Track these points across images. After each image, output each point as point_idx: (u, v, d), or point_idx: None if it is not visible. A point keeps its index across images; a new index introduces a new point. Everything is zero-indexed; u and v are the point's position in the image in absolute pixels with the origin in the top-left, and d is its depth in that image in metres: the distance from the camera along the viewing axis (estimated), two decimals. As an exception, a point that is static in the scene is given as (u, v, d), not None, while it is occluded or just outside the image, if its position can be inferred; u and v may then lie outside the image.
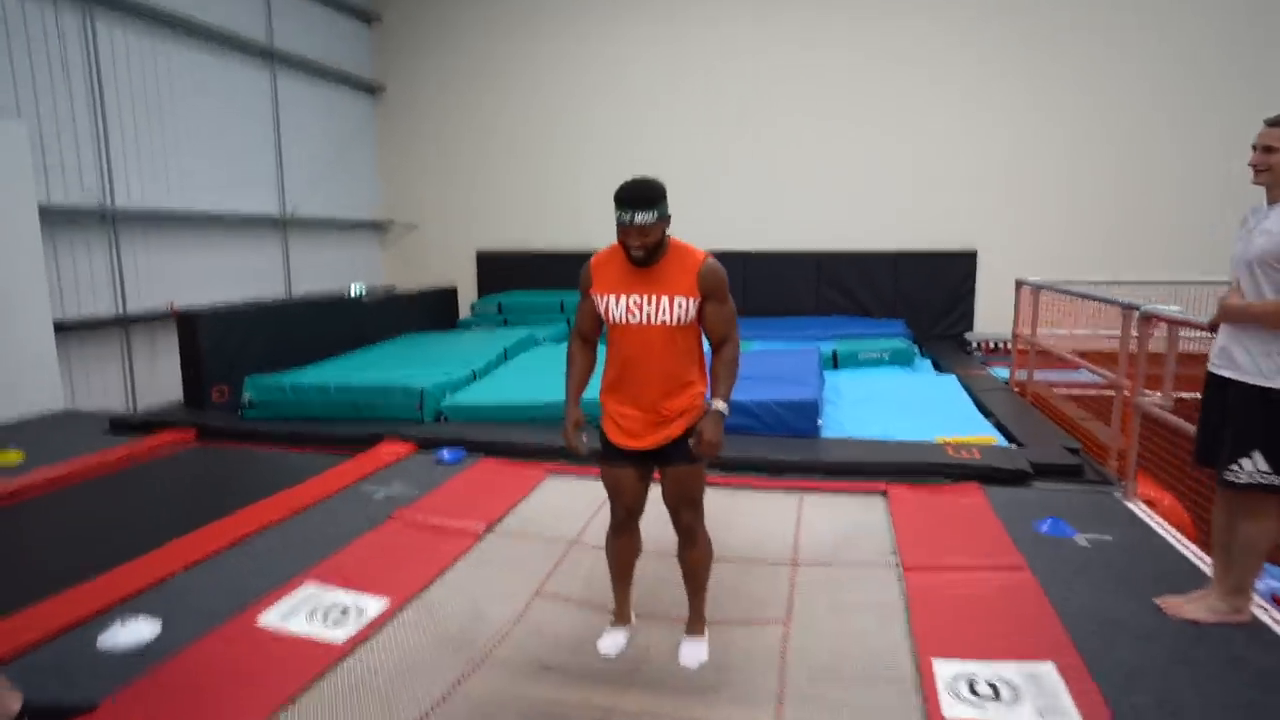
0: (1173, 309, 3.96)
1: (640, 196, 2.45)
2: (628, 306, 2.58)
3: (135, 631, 2.88)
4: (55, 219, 7.27)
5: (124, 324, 8.04)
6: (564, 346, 8.40)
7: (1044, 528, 3.85)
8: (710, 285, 2.57)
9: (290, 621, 3.05)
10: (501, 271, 11.98)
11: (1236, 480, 2.72)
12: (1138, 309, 4.31)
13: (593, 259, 2.69)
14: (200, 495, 4.88)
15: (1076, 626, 2.90)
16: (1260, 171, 2.70)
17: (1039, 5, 9.94)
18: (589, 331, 2.77)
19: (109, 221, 7.88)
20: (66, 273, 7.47)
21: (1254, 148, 2.71)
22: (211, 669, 2.70)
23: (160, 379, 8.34)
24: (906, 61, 10.35)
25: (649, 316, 2.57)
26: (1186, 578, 3.28)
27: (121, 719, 2.40)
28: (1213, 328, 2.93)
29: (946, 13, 10.17)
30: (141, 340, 8.28)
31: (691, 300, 2.56)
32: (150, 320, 8.28)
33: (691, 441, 2.57)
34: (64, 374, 7.18)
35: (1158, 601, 3.07)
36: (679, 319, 2.57)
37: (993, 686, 2.57)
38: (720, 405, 2.58)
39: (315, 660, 2.79)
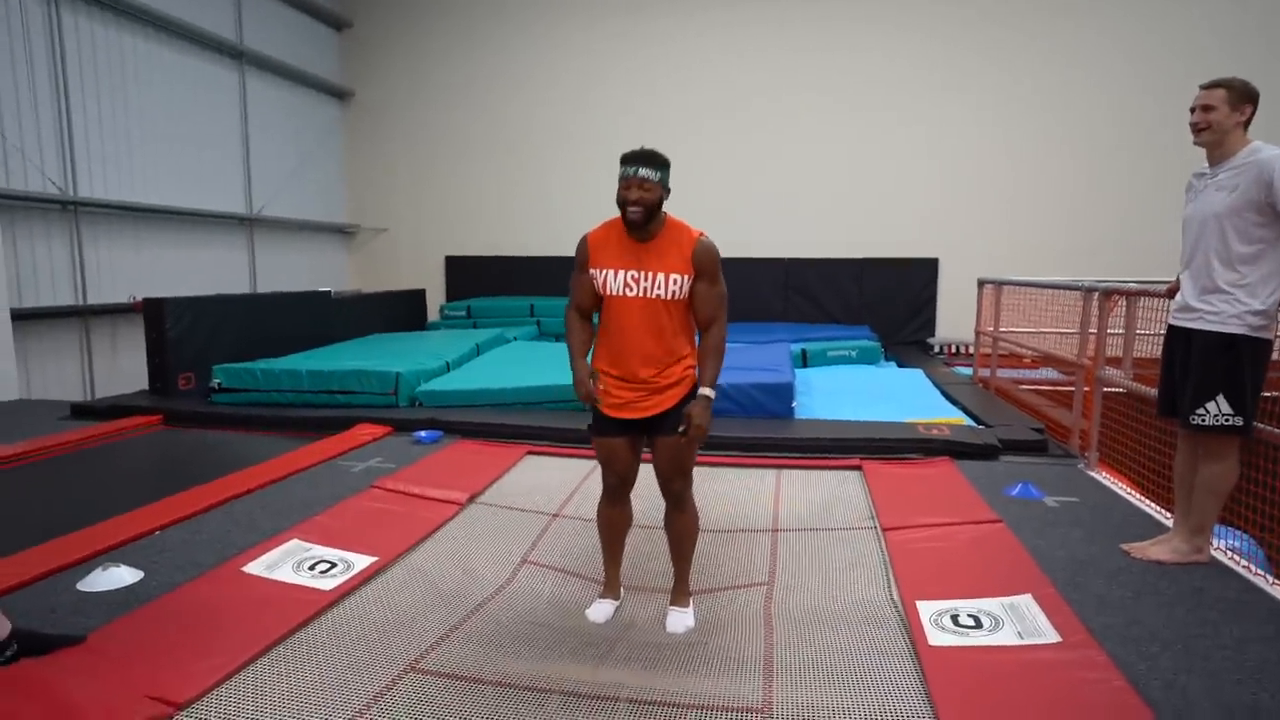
0: (1131, 284, 4.16)
1: (646, 155, 2.57)
2: (625, 281, 2.63)
3: (117, 577, 2.83)
4: (14, 206, 7.10)
5: (84, 315, 7.84)
6: (534, 345, 8.48)
7: (1014, 491, 3.99)
8: (703, 262, 2.63)
9: (276, 571, 3.02)
10: (471, 276, 11.98)
11: (1202, 423, 2.88)
12: (1098, 290, 4.51)
13: (589, 235, 2.74)
14: (170, 471, 4.78)
15: (1050, 567, 3.02)
16: (1200, 130, 2.89)
17: (994, 19, 10.38)
18: (587, 306, 2.78)
19: (70, 211, 7.72)
20: (25, 261, 7.29)
21: (1192, 109, 2.90)
22: (196, 609, 2.66)
23: (120, 371, 8.14)
24: (870, 74, 10.71)
25: (645, 290, 2.63)
26: (1149, 530, 3.44)
27: (109, 651, 2.35)
28: (1171, 294, 3.11)
29: (908, 27, 10.57)
30: (102, 332, 8.09)
31: (685, 277, 2.62)
32: (112, 312, 8.10)
33: (681, 427, 2.61)
34: (19, 363, 6.97)
35: (1124, 547, 3.21)
36: (673, 294, 2.62)
37: (974, 618, 2.67)
38: (708, 391, 2.63)
39: (303, 605, 2.76)
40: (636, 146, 2.62)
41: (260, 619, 2.62)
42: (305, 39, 11.48)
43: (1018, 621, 2.60)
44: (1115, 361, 4.59)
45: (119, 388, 7.90)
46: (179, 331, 6.81)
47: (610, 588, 2.99)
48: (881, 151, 10.78)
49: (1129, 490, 4.09)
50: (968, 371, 7.76)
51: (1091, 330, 4.68)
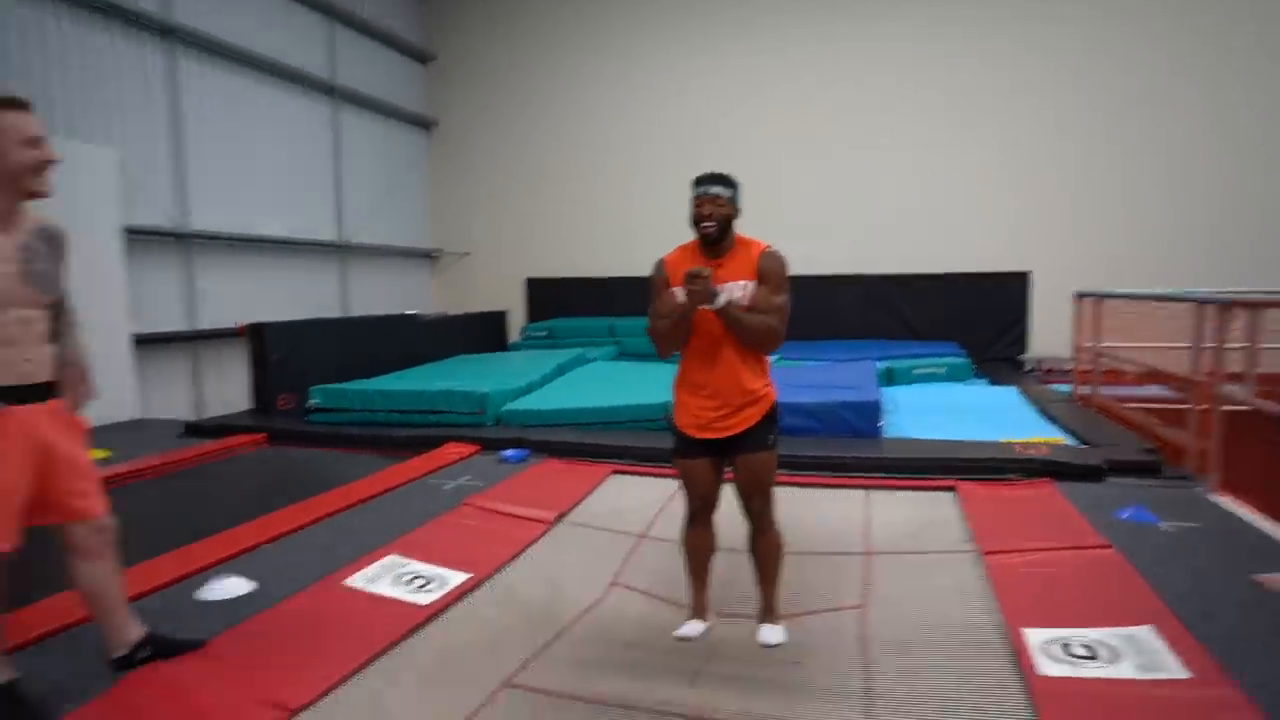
0: (1255, 294, 3.90)
1: (716, 175, 2.70)
2: None
3: (232, 587, 2.97)
4: (136, 240, 7.64)
5: (194, 340, 8.35)
6: (615, 365, 8.55)
7: (1125, 515, 3.77)
8: (766, 268, 2.69)
9: (376, 585, 3.12)
10: (551, 297, 12.19)
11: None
12: (1215, 302, 4.25)
13: (665, 258, 2.84)
14: (276, 486, 5.00)
15: (1171, 598, 2.83)
16: None
17: (1086, 22, 10.00)
18: None
19: (184, 243, 8.25)
20: (144, 290, 7.82)
21: None
22: (305, 620, 2.78)
23: (225, 392, 8.61)
24: (951, 84, 10.44)
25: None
26: (1281, 559, 3.18)
27: (229, 658, 2.48)
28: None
29: (992, 35, 10.28)
30: (209, 355, 8.58)
31: (751, 284, 2.68)
32: (218, 337, 8.59)
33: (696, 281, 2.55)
34: (138, 384, 7.46)
35: (1256, 578, 2.98)
36: (740, 300, 2.66)
37: (1088, 648, 2.52)
38: (724, 297, 2.58)
39: (403, 619, 2.84)
40: (710, 169, 2.75)
41: (364, 631, 2.71)
42: (393, 73, 12.01)
43: (1138, 654, 2.45)
44: (1236, 377, 4.29)
45: (224, 408, 8.35)
46: (279, 354, 7.16)
47: (699, 611, 2.98)
48: (965, 162, 10.47)
49: (1258, 516, 3.80)
50: (1066, 389, 7.40)
51: (1209, 345, 4.40)
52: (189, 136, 8.31)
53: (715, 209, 2.64)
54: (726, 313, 2.61)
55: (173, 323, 8.15)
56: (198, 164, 8.44)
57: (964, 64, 10.38)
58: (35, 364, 2.13)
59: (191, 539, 3.55)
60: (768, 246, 2.74)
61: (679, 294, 2.66)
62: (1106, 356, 6.52)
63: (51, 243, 2.23)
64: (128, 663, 2.35)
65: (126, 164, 7.54)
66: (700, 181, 2.69)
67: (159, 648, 2.41)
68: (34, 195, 2.10)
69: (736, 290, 2.66)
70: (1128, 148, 9.96)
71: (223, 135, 8.80)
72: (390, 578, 3.19)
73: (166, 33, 7.98)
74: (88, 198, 6.73)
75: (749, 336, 2.66)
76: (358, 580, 3.15)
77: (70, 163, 6.62)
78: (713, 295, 2.57)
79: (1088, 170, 10.10)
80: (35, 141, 2.09)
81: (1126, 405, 6.38)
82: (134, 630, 2.39)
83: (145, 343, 7.64)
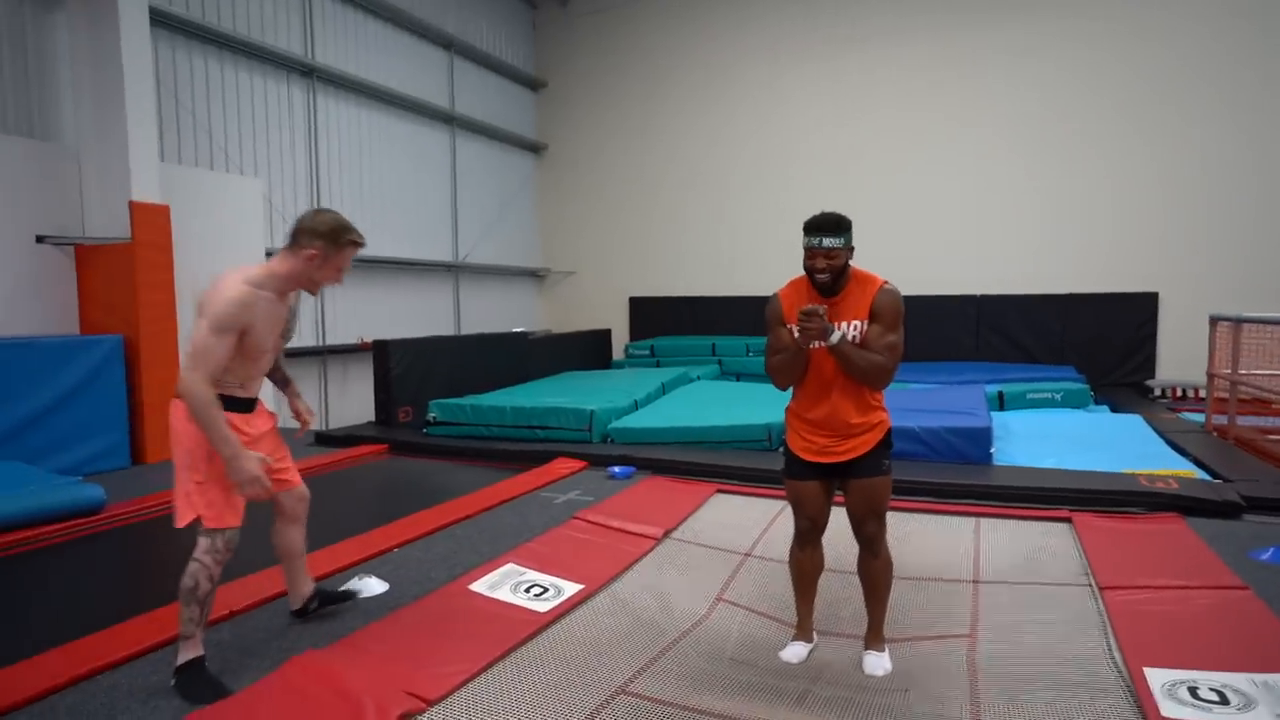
0: None
1: (827, 223, 2.66)
2: None
3: (370, 586, 3.25)
4: (277, 261, 8.32)
5: (322, 354, 9.00)
6: (718, 385, 8.64)
7: (1265, 556, 3.57)
8: (880, 305, 2.68)
9: (497, 591, 3.34)
10: (653, 316, 12.42)
11: None
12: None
13: (779, 293, 2.85)
14: (398, 495, 5.37)
15: (1314, 645, 2.68)
16: None
17: (1222, 30, 9.42)
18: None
19: (317, 264, 8.92)
20: (282, 308, 8.50)
21: None
22: (436, 619, 3.02)
23: (349, 403, 9.23)
24: (1071, 95, 10.04)
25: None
26: None
27: (371, 649, 2.75)
28: None
29: (1116, 43, 9.83)
30: (335, 369, 9.23)
31: (864, 322, 2.69)
32: (344, 352, 9.23)
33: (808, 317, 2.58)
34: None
35: None
36: (853, 339, 2.68)
37: (1218, 692, 2.43)
38: (838, 335, 2.61)
39: (523, 625, 3.04)
40: (819, 210, 2.71)
41: (490, 634, 2.92)
42: (506, 101, 12.61)
43: (1275, 703, 2.34)
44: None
45: (348, 418, 8.95)
46: (400, 369, 7.64)
47: (803, 630, 3.02)
48: (1089, 177, 10.01)
49: None
50: (1199, 418, 6.97)
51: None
52: (324, 165, 9.02)
53: (829, 263, 2.63)
54: (839, 350, 2.63)
55: (304, 338, 8.83)
56: (331, 190, 9.14)
57: (1084, 76, 9.98)
58: (261, 383, 2.87)
59: (329, 541, 3.88)
60: (885, 283, 2.72)
61: (794, 330, 2.69)
62: (1244, 384, 6.11)
63: (295, 306, 2.97)
64: (304, 612, 3.03)
65: (270, 192, 8.26)
66: (810, 230, 2.66)
67: (324, 599, 3.09)
68: (311, 292, 2.78)
69: (850, 330, 2.68)
70: (1263, 161, 9.30)
71: (354, 165, 9.50)
72: (510, 585, 3.40)
73: (307, 72, 8.70)
74: (235, 223, 7.42)
75: (860, 374, 2.67)
76: (480, 586, 3.37)
77: (224, 192, 7.41)
78: (827, 331, 2.59)
79: (1221, 185, 9.49)
80: (341, 271, 2.74)
81: (1268, 438, 5.97)
82: (309, 586, 3.05)
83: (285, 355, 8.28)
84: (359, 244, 2.76)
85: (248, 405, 2.74)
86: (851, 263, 2.75)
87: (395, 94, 9.94)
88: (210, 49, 7.63)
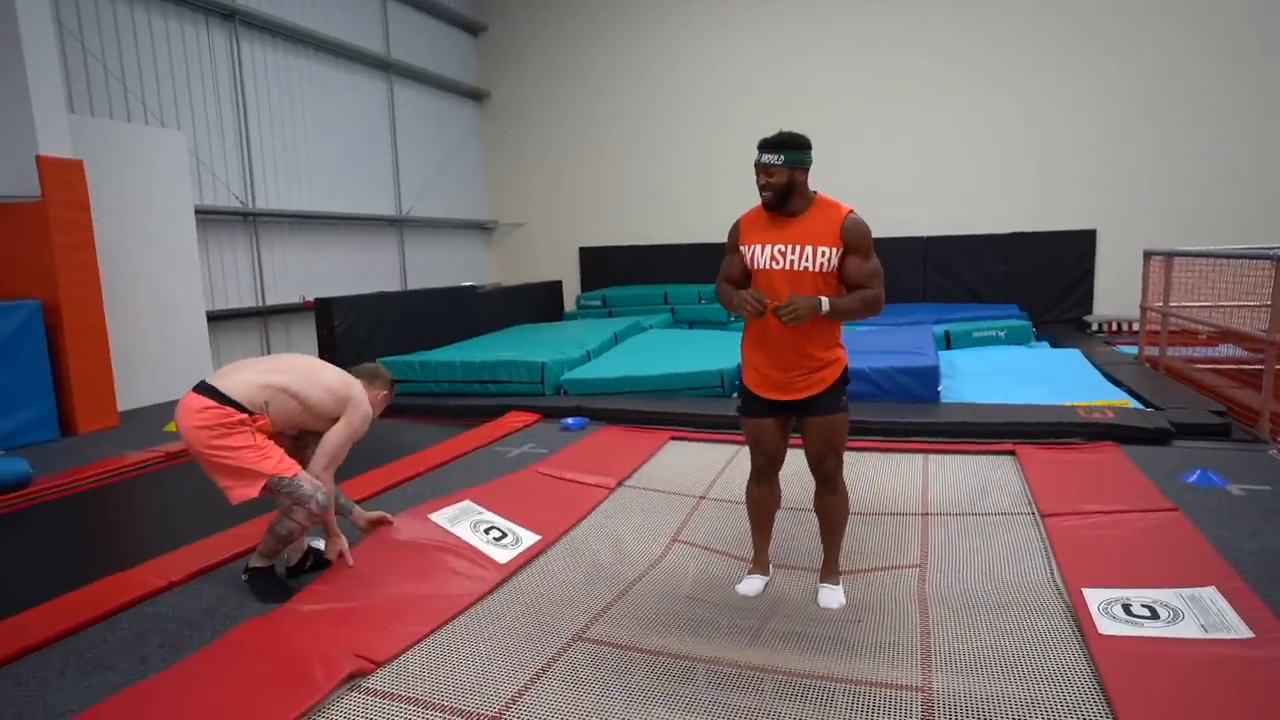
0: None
1: (771, 140, 2.65)
2: (772, 254, 2.70)
3: (319, 543, 3.19)
4: (206, 220, 7.97)
5: (263, 314, 8.71)
6: (671, 332, 8.63)
7: (1192, 478, 3.72)
8: (853, 238, 2.65)
9: (456, 527, 3.35)
10: (604, 266, 12.29)
11: None
12: (1290, 257, 4.11)
13: (741, 217, 2.85)
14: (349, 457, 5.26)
15: (1237, 560, 2.82)
16: None
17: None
18: (736, 280, 2.85)
19: (250, 222, 8.57)
20: (215, 269, 8.17)
21: None
22: (392, 564, 3.04)
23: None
24: (1009, 39, 10.07)
25: (792, 264, 2.67)
26: (1358, 522, 3.12)
27: (323, 604, 2.70)
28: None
29: (1057, -15, 9.85)
30: (277, 329, 8.94)
31: (834, 250, 2.65)
32: (285, 311, 8.94)
33: (782, 305, 2.59)
34: (213, 359, 7.85)
35: (1328, 540, 2.94)
36: (821, 266, 2.65)
37: (1149, 608, 2.54)
38: (825, 301, 2.60)
39: (485, 576, 3.02)
40: (778, 130, 2.69)
41: (446, 587, 2.89)
42: (445, 46, 12.13)
43: (1201, 614, 2.46)
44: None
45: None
46: (345, 328, 7.42)
47: (759, 564, 3.07)
48: (1027, 118, 10.13)
49: (1331, 478, 3.71)
50: (1132, 350, 7.21)
51: (1283, 302, 4.26)
52: (253, 117, 8.59)
53: (768, 179, 2.63)
54: (836, 313, 2.62)
55: (244, 299, 8.52)
56: (261, 144, 8.73)
57: (1025, 18, 9.99)
58: None
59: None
60: (850, 211, 2.67)
61: (743, 296, 2.63)
62: (1175, 317, 6.32)
63: None
64: (298, 570, 3.11)
65: (196, 145, 7.84)
66: (758, 148, 2.65)
67: (318, 559, 3.14)
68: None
69: (820, 257, 2.63)
70: (1197, 102, 9.52)
71: (284, 116, 9.07)
72: (469, 523, 3.40)
73: (229, 15, 8.21)
74: (159, 178, 7.04)
75: (861, 316, 2.68)
76: (440, 517, 3.38)
77: (145, 146, 7.00)
78: (815, 307, 2.57)
79: (1156, 125, 9.70)
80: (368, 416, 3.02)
81: (1196, 367, 6.21)
82: (304, 541, 3.13)
83: (217, 319, 8.00)
84: (391, 386, 3.31)
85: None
86: (817, 189, 2.72)
87: (326, 39, 9.46)
88: (118, -9, 7.13)
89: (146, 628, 2.66)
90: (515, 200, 13.04)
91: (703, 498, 4.04)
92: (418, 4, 11.38)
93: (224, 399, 2.69)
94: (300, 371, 2.90)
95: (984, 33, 10.18)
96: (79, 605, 2.76)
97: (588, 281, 12.44)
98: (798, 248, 2.66)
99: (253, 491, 2.68)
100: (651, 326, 9.16)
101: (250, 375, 2.80)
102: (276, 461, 2.73)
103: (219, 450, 2.66)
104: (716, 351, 6.66)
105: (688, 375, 6.00)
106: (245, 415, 2.70)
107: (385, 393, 3.21)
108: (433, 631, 2.60)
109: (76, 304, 5.84)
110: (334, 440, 2.88)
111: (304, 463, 2.94)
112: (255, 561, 2.93)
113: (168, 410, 6.53)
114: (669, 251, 11.75)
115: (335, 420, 2.91)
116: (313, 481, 2.80)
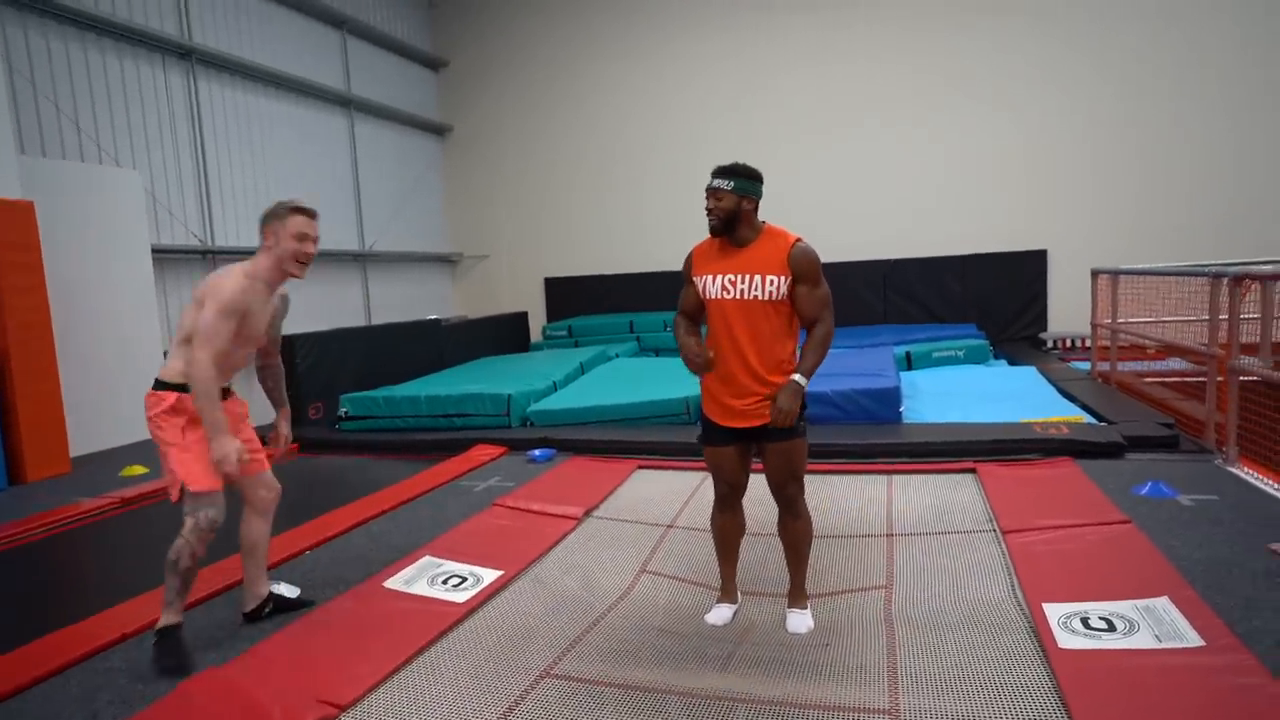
0: (1266, 267, 3.92)
1: (724, 168, 2.74)
2: (722, 284, 2.74)
3: (279, 592, 3.11)
4: (165, 259, 7.85)
5: (224, 354, 8.55)
6: (637, 361, 8.66)
7: (1144, 490, 3.82)
8: (801, 267, 2.70)
9: (414, 586, 3.25)
10: (570, 296, 12.33)
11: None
12: (1227, 275, 4.27)
13: (694, 248, 2.90)
14: (309, 495, 5.16)
15: (1188, 569, 2.90)
16: None
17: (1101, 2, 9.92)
18: (691, 312, 2.91)
19: (209, 260, 8.46)
20: (174, 307, 8.04)
21: None
22: (349, 620, 2.93)
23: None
24: (961, 67, 10.42)
25: (742, 293, 2.71)
26: (1301, 529, 3.23)
27: (279, 658, 2.63)
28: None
29: (1006, 15, 10.23)
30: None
31: (783, 278, 2.69)
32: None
33: (771, 411, 2.67)
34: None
35: (1273, 546, 3.03)
36: (770, 295, 2.69)
37: (1106, 620, 2.59)
38: (799, 378, 2.68)
39: (441, 617, 2.97)
40: (731, 161, 2.77)
41: (406, 630, 2.84)
42: (406, 81, 12.18)
43: (1155, 625, 2.52)
44: (1252, 349, 4.32)
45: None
46: (307, 365, 7.34)
47: (728, 593, 3.07)
48: (979, 144, 10.46)
49: (1276, 486, 3.83)
50: (1085, 366, 7.41)
51: (1223, 317, 4.42)
52: (211, 155, 8.52)
53: (716, 204, 2.69)
54: (810, 376, 2.70)
55: (203, 338, 8.36)
56: (220, 181, 8.65)
57: (978, 45, 10.36)
58: (234, 376, 3.08)
59: (233, 550, 3.69)
60: (797, 239, 2.72)
61: (688, 352, 2.75)
62: (1124, 333, 6.52)
63: (284, 304, 3.13)
64: (256, 616, 2.99)
65: (153, 185, 7.75)
66: (712, 174, 2.72)
67: (279, 604, 3.04)
68: (291, 276, 2.89)
69: (769, 285, 2.69)
70: (1142, 126, 9.91)
71: (244, 154, 9.00)
72: (427, 579, 3.32)
73: (185, 54, 8.18)
74: (113, 219, 6.93)
75: (824, 354, 2.75)
76: (395, 582, 3.28)
77: (99, 186, 6.90)
78: (795, 394, 2.66)
79: (1103, 147, 10.07)
80: (302, 237, 2.84)
81: (1144, 380, 6.39)
82: (265, 587, 3.03)
83: (178, 359, 7.84)
84: (302, 210, 2.86)
85: (222, 393, 2.86)
86: (766, 220, 2.78)
87: (286, 76, 9.45)
88: (69, 29, 7.06)
89: (97, 683, 2.58)
90: (479, 233, 13.05)
91: (671, 526, 4.04)
92: (378, 41, 11.44)
93: (159, 384, 2.78)
94: (188, 315, 2.78)
95: (939, 62, 10.51)
96: (26, 662, 2.67)
97: (554, 312, 12.46)
98: (747, 277, 2.70)
99: (175, 492, 2.71)
100: (618, 355, 9.19)
101: (174, 351, 2.79)
102: (189, 467, 2.71)
103: (159, 441, 2.74)
104: (681, 379, 6.68)
105: (653, 404, 6.02)
106: (176, 395, 2.73)
107: (284, 220, 2.83)
108: (397, 670, 2.56)
109: (26, 348, 5.70)
110: (204, 317, 2.65)
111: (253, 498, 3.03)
112: (163, 619, 2.69)
113: (124, 454, 6.37)
114: (634, 280, 11.84)
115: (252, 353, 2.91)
116: (209, 511, 2.70)
